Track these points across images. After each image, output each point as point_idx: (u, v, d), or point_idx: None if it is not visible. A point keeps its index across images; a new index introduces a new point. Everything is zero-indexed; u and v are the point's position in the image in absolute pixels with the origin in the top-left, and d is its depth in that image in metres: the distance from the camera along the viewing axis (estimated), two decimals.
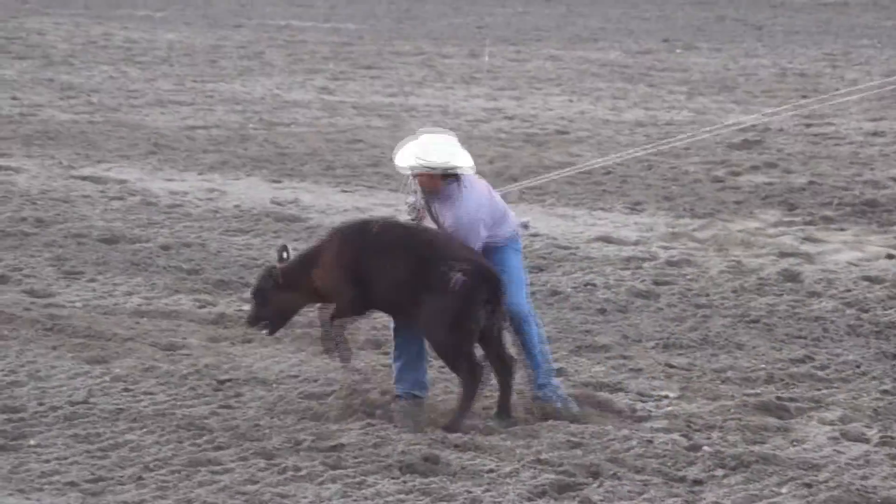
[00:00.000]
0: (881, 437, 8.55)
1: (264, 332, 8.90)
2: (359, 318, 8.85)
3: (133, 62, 23.13)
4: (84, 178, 14.81)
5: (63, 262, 11.74)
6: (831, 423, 8.80)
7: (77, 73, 21.76)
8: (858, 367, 9.84)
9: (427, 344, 8.66)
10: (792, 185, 15.27)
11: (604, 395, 9.07)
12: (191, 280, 11.44)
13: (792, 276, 12.04)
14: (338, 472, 7.78)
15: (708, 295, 11.48)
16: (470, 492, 7.59)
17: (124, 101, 19.47)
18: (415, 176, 8.83)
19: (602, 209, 14.37)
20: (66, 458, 7.85)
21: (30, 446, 7.99)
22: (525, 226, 9.18)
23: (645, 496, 7.60)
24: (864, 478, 7.93)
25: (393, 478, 7.74)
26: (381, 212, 13.80)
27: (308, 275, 8.64)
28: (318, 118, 18.83)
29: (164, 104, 19.34)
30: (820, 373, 9.71)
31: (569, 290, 11.53)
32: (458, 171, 8.75)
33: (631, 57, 25.72)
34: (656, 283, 11.78)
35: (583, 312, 10.97)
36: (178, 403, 8.73)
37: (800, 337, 10.50)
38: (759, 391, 9.30)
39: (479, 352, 8.54)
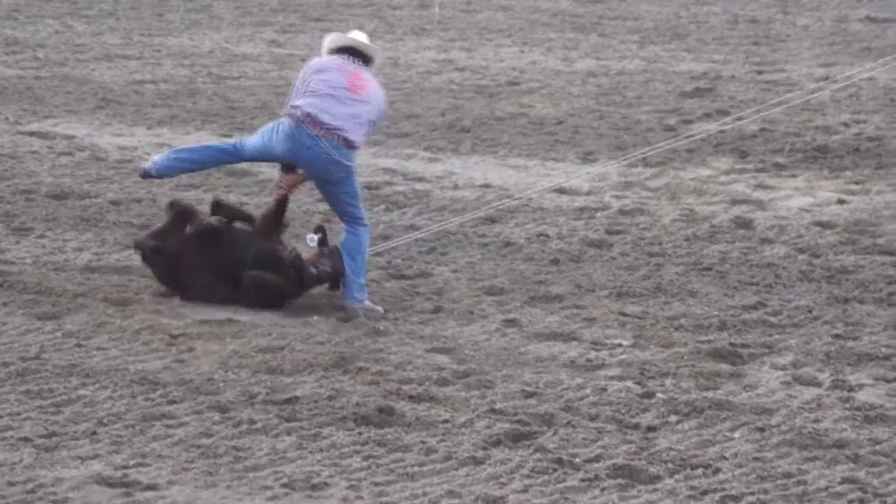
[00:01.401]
0: (833, 381, 8.62)
1: None
2: None
3: (79, 16, 22.90)
4: (31, 134, 14.67)
5: (12, 219, 11.64)
6: (783, 367, 8.86)
7: (22, 27, 21.52)
8: (810, 312, 9.90)
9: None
10: (744, 133, 15.31)
11: None
12: (141, 235, 11.36)
13: (744, 224, 12.08)
14: (293, 424, 7.78)
15: (661, 243, 11.51)
16: (425, 442, 7.60)
17: (70, 55, 19.28)
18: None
19: (554, 159, 14.36)
20: (18, 414, 7.80)
21: None
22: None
23: (599, 443, 7.64)
24: (817, 421, 8.00)
25: (348, 429, 7.74)
26: None
27: None
28: (268, 71, 18.71)
29: (111, 59, 19.16)
30: (772, 318, 9.76)
31: (522, 241, 11.53)
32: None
33: (582, 6, 25.67)
34: (609, 232, 11.80)
35: (536, 263, 10.98)
36: (131, 358, 8.70)
37: (752, 283, 10.55)
38: (711, 338, 9.35)
39: None
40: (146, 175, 10.08)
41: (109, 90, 16.97)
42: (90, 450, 7.41)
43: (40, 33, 21.08)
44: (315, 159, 9.54)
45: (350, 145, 9.59)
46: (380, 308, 9.67)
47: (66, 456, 7.32)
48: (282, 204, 9.88)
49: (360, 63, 9.85)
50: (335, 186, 9.70)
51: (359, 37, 10.03)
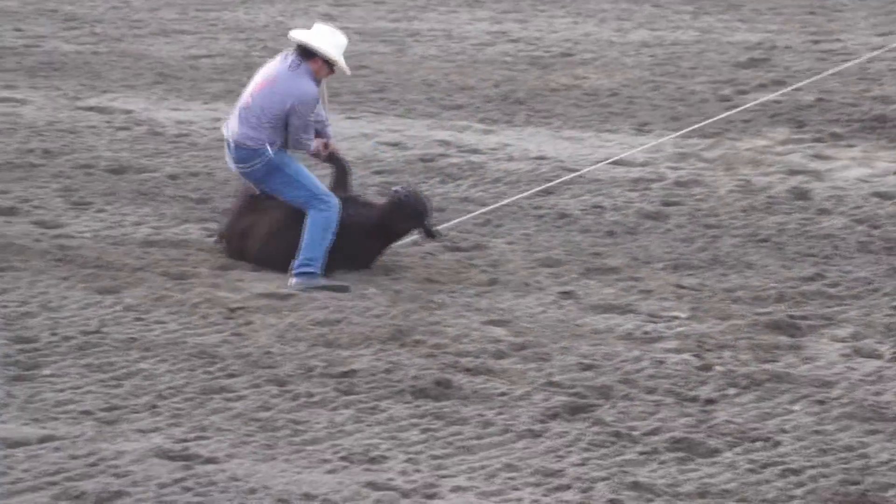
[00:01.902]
0: (893, 353, 8.57)
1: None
2: None
3: None
4: (90, 109, 14.76)
5: (71, 193, 11.73)
6: (843, 339, 8.81)
7: (80, 3, 21.62)
8: (869, 283, 9.84)
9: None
10: (800, 103, 15.19)
11: None
12: (199, 209, 11.43)
13: (801, 194, 12.01)
14: (350, 397, 7.81)
15: (717, 215, 11.46)
16: (482, 415, 7.61)
17: (128, 31, 19.36)
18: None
19: (609, 131, 14.31)
20: (80, 388, 7.88)
21: (44, 376, 8.03)
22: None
23: (657, 416, 7.63)
24: (877, 394, 7.96)
25: (405, 402, 7.77)
26: (387, 138, 13.77)
27: None
28: None
29: (167, 33, 19.24)
30: (831, 290, 9.71)
31: (577, 212, 11.51)
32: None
33: None
34: (665, 203, 11.75)
35: (592, 235, 10.96)
36: (190, 332, 8.75)
37: (810, 255, 10.49)
38: (769, 310, 9.30)
39: None
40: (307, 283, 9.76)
41: (166, 65, 17.04)
42: (150, 423, 7.47)
43: (98, 9, 21.18)
44: (238, 169, 9.94)
45: (240, 145, 9.75)
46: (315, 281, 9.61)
47: (127, 429, 7.39)
48: (337, 163, 10.11)
49: (295, 57, 9.76)
50: (267, 186, 9.84)
51: (307, 33, 9.84)
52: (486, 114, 14.92)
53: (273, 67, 9.90)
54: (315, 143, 9.96)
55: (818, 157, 13.26)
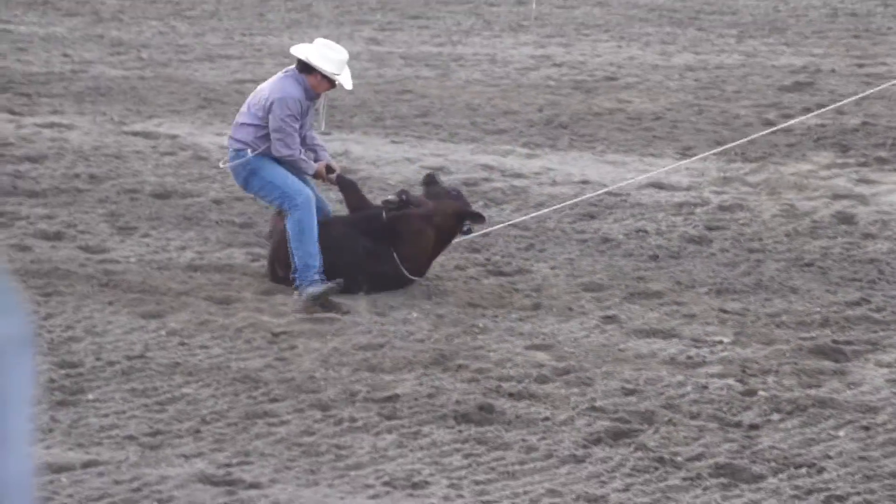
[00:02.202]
0: None
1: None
2: None
3: (182, 17, 23.15)
4: (135, 134, 14.86)
5: (117, 218, 11.80)
6: (888, 365, 8.75)
7: (126, 28, 21.79)
8: None
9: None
10: (845, 127, 15.13)
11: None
12: (243, 233, 11.48)
13: (846, 219, 11.95)
14: (393, 422, 7.81)
15: (761, 239, 11.42)
16: (525, 440, 7.60)
17: (174, 56, 19.50)
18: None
19: (652, 155, 14.29)
20: (124, 412, 7.91)
21: (88, 401, 8.06)
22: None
23: (701, 442, 7.59)
24: None
25: (448, 427, 7.76)
26: (430, 162, 13.79)
27: None
28: (367, 69, 18.80)
29: (213, 58, 19.36)
30: (876, 315, 9.65)
31: (620, 236, 11.49)
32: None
33: (679, 1, 25.50)
34: (708, 228, 11.72)
35: (635, 259, 10.94)
36: (234, 356, 8.78)
37: (855, 279, 10.43)
38: (814, 335, 9.25)
39: None
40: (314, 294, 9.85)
41: (211, 90, 17.13)
42: (194, 448, 7.49)
43: (144, 34, 21.33)
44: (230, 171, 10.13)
45: (230, 146, 9.97)
46: (321, 287, 9.66)
47: (171, 454, 7.41)
48: (342, 183, 10.22)
49: (294, 70, 9.90)
50: (249, 190, 10.04)
51: (306, 47, 9.98)
52: (529, 138, 14.93)
53: (268, 81, 10.10)
54: (317, 167, 10.01)
55: (863, 181, 13.19)
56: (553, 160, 14.08)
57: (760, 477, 7.21)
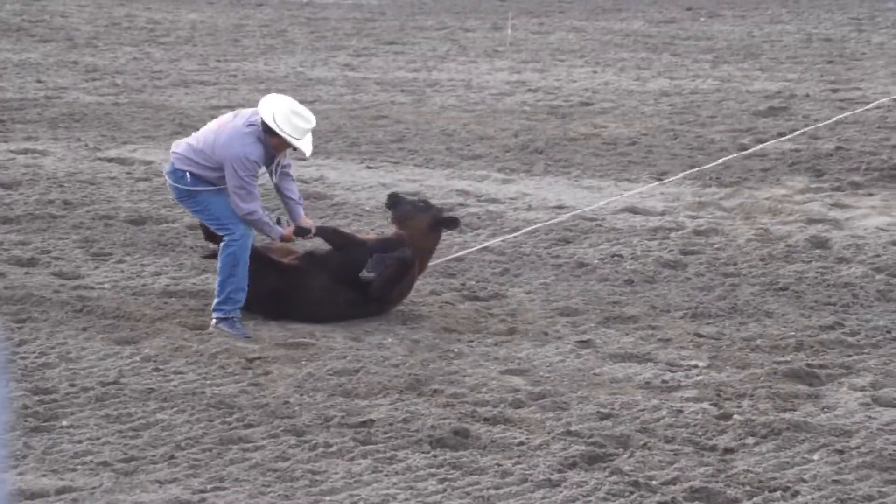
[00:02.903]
0: None
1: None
2: None
3: (156, 43, 23.15)
4: (110, 160, 14.84)
5: (91, 244, 11.78)
6: (862, 388, 8.77)
7: (101, 55, 21.78)
8: (889, 332, 9.81)
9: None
10: (819, 152, 15.20)
11: None
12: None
13: (820, 243, 12.00)
14: (368, 447, 7.80)
15: (736, 263, 11.45)
16: (500, 465, 7.59)
17: (148, 81, 19.49)
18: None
19: (628, 180, 14.33)
20: (98, 439, 7.88)
21: (62, 427, 8.03)
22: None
23: (676, 465, 7.60)
24: None
25: (423, 452, 7.75)
26: (405, 188, 13.80)
27: None
28: (342, 95, 18.81)
29: (188, 84, 19.35)
30: (850, 339, 9.68)
31: (596, 261, 11.51)
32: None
33: (654, 26, 25.61)
34: (684, 252, 11.75)
35: (610, 284, 10.95)
36: (208, 382, 8.76)
37: (829, 303, 10.46)
38: (788, 358, 9.28)
39: None
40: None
41: (186, 115, 17.13)
42: (168, 473, 7.46)
43: (119, 60, 21.32)
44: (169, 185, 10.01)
45: (173, 164, 9.83)
46: (228, 329, 9.64)
47: (145, 480, 7.38)
48: (323, 233, 10.14)
49: (258, 124, 9.67)
50: (187, 206, 9.91)
51: (273, 106, 9.65)
52: (504, 163, 14.95)
53: (230, 119, 9.83)
54: (283, 232, 9.87)
55: (837, 205, 13.25)
56: (529, 185, 14.10)
57: (735, 501, 7.22)
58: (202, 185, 9.74)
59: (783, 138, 15.17)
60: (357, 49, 22.82)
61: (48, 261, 11.30)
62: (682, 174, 13.91)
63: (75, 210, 12.83)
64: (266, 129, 9.61)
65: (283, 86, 19.34)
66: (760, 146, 14.78)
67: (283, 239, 9.98)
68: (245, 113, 9.87)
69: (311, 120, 9.70)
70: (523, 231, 12.07)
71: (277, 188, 10.00)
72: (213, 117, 17.18)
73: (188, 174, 9.75)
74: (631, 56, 22.11)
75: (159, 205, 13.11)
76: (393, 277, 9.86)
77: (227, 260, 9.69)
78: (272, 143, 9.65)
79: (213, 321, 9.71)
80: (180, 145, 9.91)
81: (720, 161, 13.93)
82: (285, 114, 9.59)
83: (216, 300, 9.74)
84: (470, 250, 11.44)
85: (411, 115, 17.39)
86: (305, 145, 9.69)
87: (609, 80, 19.93)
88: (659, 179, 14.25)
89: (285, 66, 21.09)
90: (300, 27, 25.30)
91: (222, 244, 9.74)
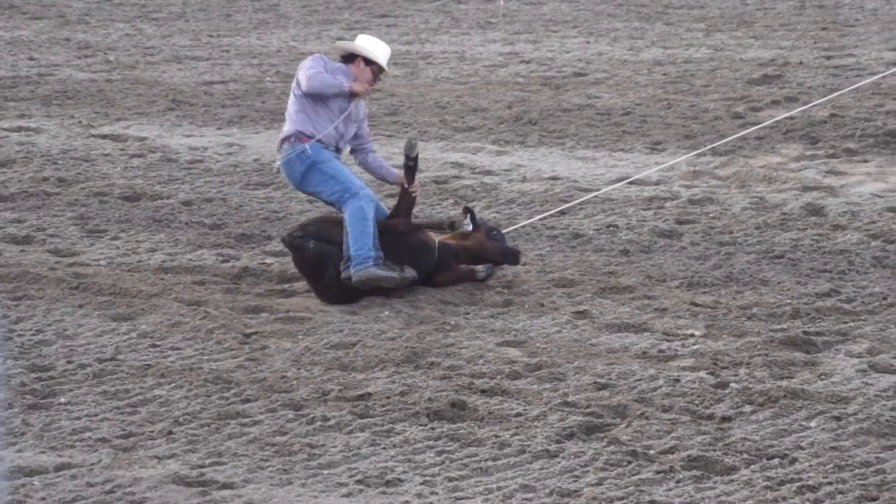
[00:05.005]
0: None
1: None
2: None
3: (148, 19, 23.08)
4: (104, 137, 14.81)
5: (86, 221, 11.77)
6: (859, 355, 8.79)
7: (93, 31, 21.72)
8: (885, 298, 9.82)
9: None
10: (813, 119, 15.19)
11: None
12: (213, 235, 11.46)
13: (815, 210, 12.00)
14: (366, 420, 7.81)
15: (731, 232, 11.45)
16: (498, 436, 7.61)
17: (141, 58, 19.44)
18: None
19: (622, 150, 14.32)
20: (96, 415, 7.89)
21: (60, 404, 8.04)
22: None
23: (673, 435, 7.61)
24: (894, 409, 7.93)
25: (421, 425, 7.76)
26: (399, 160, 13.77)
27: None
28: None
29: (180, 60, 19.31)
30: (846, 306, 9.69)
31: (591, 232, 11.51)
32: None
33: None
34: (679, 222, 11.75)
35: (606, 254, 10.96)
36: (205, 357, 8.77)
37: (825, 271, 10.47)
38: (785, 326, 9.29)
39: None
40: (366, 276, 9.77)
41: (179, 91, 17.10)
42: (167, 449, 7.48)
43: (111, 36, 21.27)
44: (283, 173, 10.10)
45: (281, 145, 9.98)
46: (380, 273, 9.65)
47: (143, 456, 7.40)
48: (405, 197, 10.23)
49: (339, 62, 10.06)
50: (306, 186, 9.96)
51: (350, 42, 10.16)
52: (498, 135, 14.94)
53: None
54: (351, 85, 9.94)
55: (832, 172, 13.25)
56: (523, 157, 14.09)
57: (733, 469, 7.24)
58: (321, 151, 9.82)
59: (800, 109, 15.14)
60: (349, 22, 22.77)
61: (43, 238, 11.29)
62: (714, 144, 13.89)
63: (70, 187, 12.81)
64: (347, 58, 9.96)
65: (276, 60, 19.30)
66: (799, 110, 14.74)
67: (352, 92, 9.91)
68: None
69: (386, 46, 10.12)
70: (570, 205, 12.09)
71: (356, 153, 10.21)
72: (206, 93, 17.26)
73: (303, 142, 9.80)
74: (624, 26, 22.07)
75: (154, 181, 13.10)
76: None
77: (354, 215, 9.67)
78: (353, 72, 9.96)
79: (353, 278, 9.57)
80: (282, 133, 9.99)
81: (737, 135, 13.91)
82: (361, 41, 10.02)
83: (351, 259, 9.63)
84: (516, 226, 11.42)
85: (405, 87, 17.36)
86: (382, 60, 10.01)
87: (602, 51, 19.89)
88: (654, 149, 14.23)
89: (278, 40, 21.05)
90: (292, 1, 25.24)
91: (347, 204, 9.70)
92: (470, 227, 10.23)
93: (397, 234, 9.96)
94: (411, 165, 10.12)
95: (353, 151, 10.27)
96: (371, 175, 10.47)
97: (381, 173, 10.32)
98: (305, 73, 9.80)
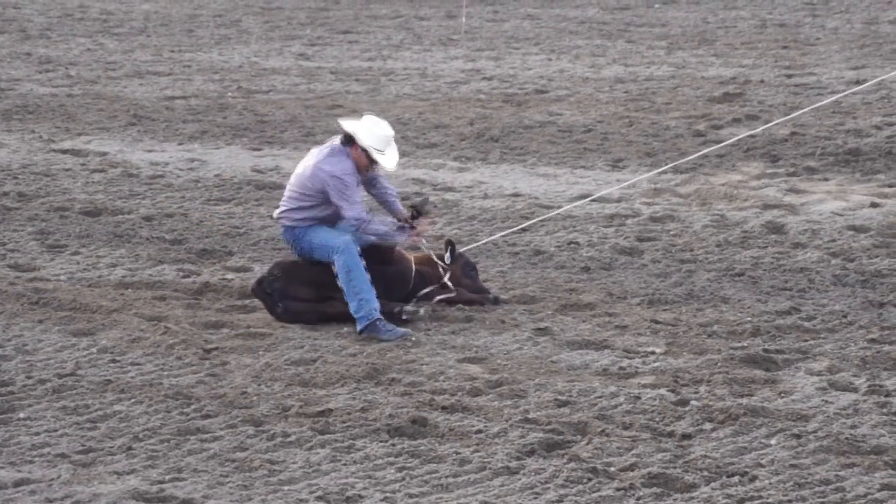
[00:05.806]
0: (869, 386, 8.58)
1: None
2: None
3: (110, 34, 23.02)
4: (65, 152, 14.76)
5: (46, 236, 11.72)
6: (819, 373, 8.82)
7: (55, 46, 21.65)
8: (845, 316, 9.86)
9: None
10: (774, 137, 15.26)
11: None
12: (174, 250, 11.43)
13: (776, 228, 12.05)
14: (326, 436, 7.80)
15: (692, 249, 11.49)
16: (459, 453, 7.61)
17: (102, 73, 19.39)
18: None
19: (584, 167, 14.36)
20: (55, 431, 7.85)
21: (19, 419, 8.00)
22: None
23: (634, 452, 7.63)
24: (854, 427, 7.96)
25: (381, 441, 7.75)
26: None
27: None
28: (297, 84, 18.77)
29: (142, 75, 19.26)
30: (806, 324, 9.73)
31: (552, 249, 11.53)
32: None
33: (609, 13, 25.65)
34: (640, 239, 11.78)
35: (567, 271, 10.97)
36: (166, 373, 8.73)
37: (785, 288, 10.52)
38: (745, 344, 9.32)
39: None
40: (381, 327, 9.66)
41: (141, 106, 17.05)
42: (126, 465, 7.44)
43: (72, 51, 21.20)
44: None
45: (279, 221, 9.96)
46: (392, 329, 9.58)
47: (103, 471, 7.36)
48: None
49: (334, 143, 9.92)
50: (300, 253, 9.94)
51: (353, 122, 9.95)
52: (460, 151, 14.95)
53: (310, 155, 9.95)
54: (406, 239, 9.98)
55: (792, 190, 13.31)
56: (484, 174, 14.11)
57: (693, 486, 7.25)
58: (308, 228, 9.80)
59: (769, 126, 15.21)
60: (311, 38, 22.77)
61: (3, 253, 11.24)
62: (674, 163, 13.94)
63: (30, 202, 12.76)
64: (347, 141, 9.76)
65: (238, 76, 19.28)
66: (760, 129, 14.82)
67: (416, 233, 10.00)
68: (323, 144, 10.02)
69: (390, 130, 9.85)
70: (531, 222, 12.09)
71: (368, 186, 10.07)
72: (167, 108, 17.23)
73: (302, 222, 9.79)
74: (586, 43, 22.14)
75: (115, 196, 13.05)
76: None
77: (341, 269, 9.62)
78: (354, 157, 9.75)
79: (359, 332, 9.50)
80: (279, 207, 9.94)
81: (699, 153, 13.97)
82: (366, 127, 9.78)
83: (353, 312, 9.54)
84: (477, 244, 11.42)
85: (366, 104, 17.36)
86: (389, 160, 9.80)
87: (564, 68, 19.95)
88: (615, 167, 14.28)
89: (239, 56, 21.02)
90: (254, 17, 25.21)
91: (334, 261, 9.64)
92: (449, 261, 10.19)
93: (381, 261, 9.96)
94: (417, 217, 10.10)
95: (366, 185, 10.12)
96: (381, 207, 10.39)
97: (390, 208, 10.24)
98: (355, 214, 9.68)
